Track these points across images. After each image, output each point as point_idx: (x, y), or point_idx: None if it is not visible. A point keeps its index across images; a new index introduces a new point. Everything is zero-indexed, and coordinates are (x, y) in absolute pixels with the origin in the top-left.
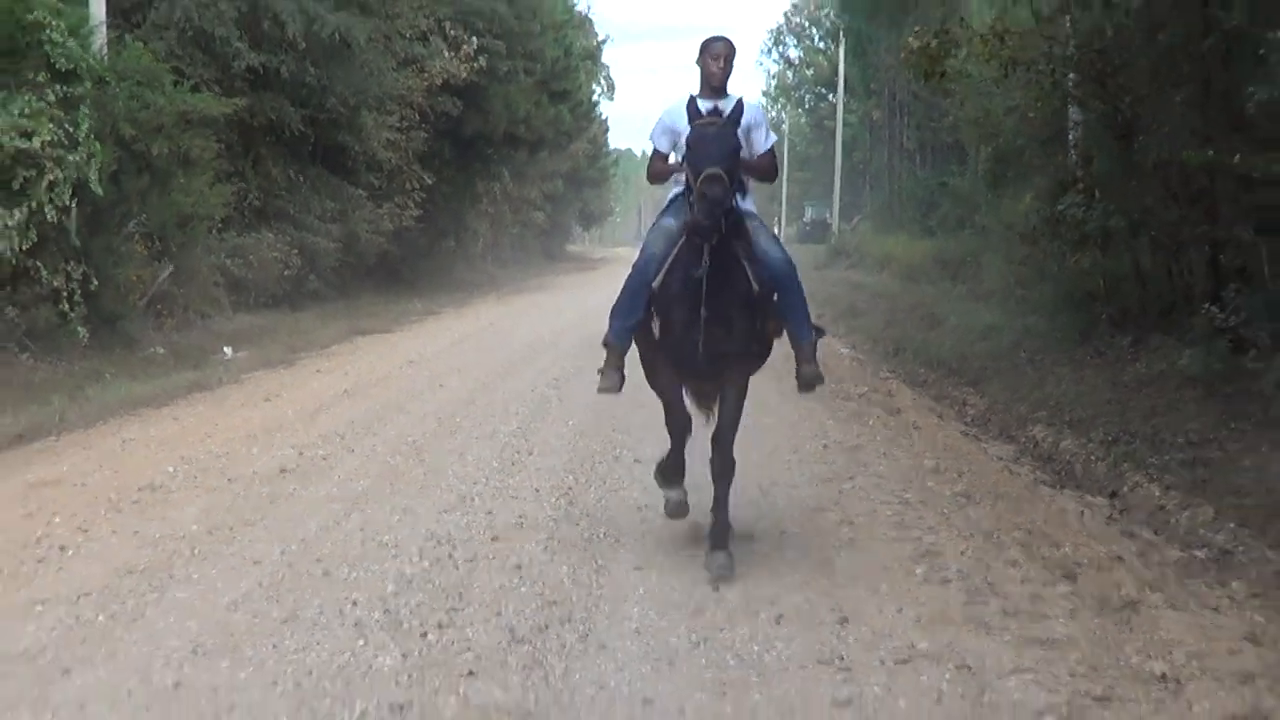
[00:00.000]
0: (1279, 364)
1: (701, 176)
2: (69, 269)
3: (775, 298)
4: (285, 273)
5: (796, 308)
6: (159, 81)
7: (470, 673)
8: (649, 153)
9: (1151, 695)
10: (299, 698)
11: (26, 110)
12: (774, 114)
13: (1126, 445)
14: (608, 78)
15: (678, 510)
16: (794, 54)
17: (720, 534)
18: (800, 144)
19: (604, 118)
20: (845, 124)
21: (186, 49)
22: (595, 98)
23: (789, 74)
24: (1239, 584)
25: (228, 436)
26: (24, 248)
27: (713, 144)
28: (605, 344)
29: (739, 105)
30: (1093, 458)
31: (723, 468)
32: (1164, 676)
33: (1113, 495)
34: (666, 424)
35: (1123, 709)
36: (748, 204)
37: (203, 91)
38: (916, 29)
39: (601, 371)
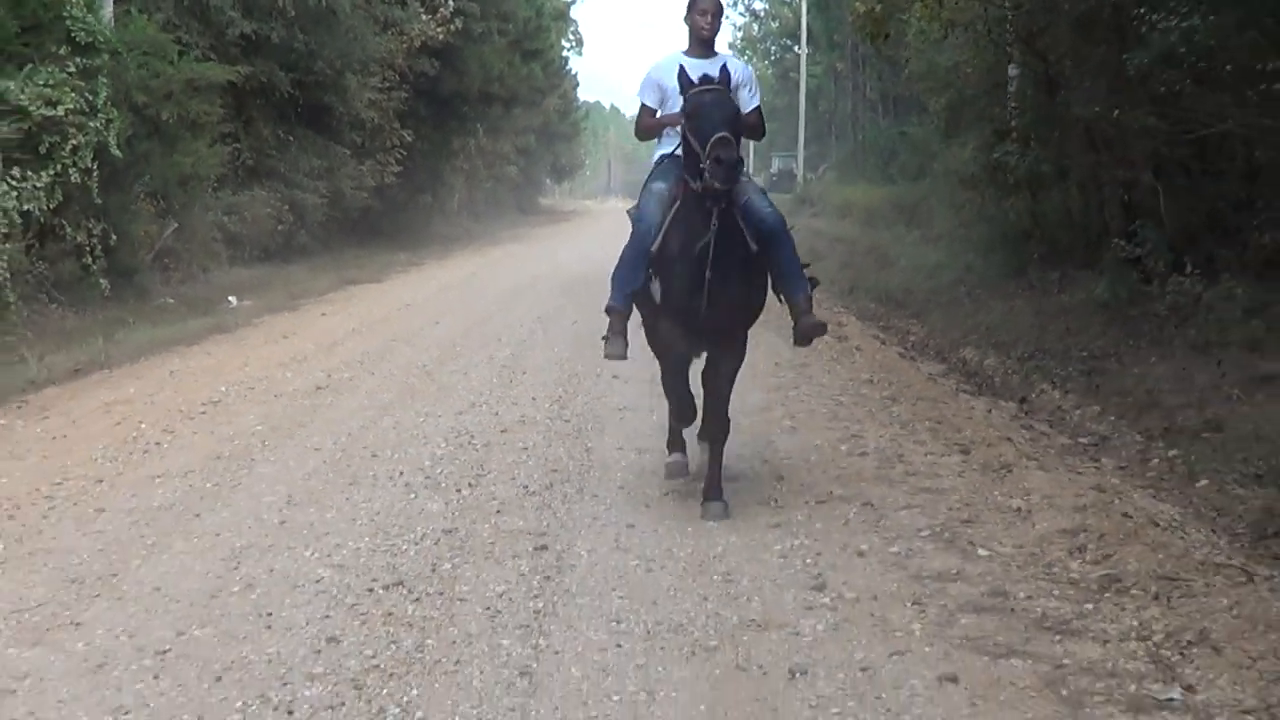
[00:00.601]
0: (1171, 289)
1: (711, 141)
2: (90, 226)
3: (768, 251)
4: (279, 227)
5: (789, 262)
6: (164, 51)
7: (498, 511)
8: (617, 106)
9: (1006, 520)
10: (374, 527)
11: (51, 81)
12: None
13: (1039, 361)
14: (576, 33)
15: (676, 471)
16: (759, 6)
17: (715, 487)
18: (767, 96)
19: (574, 73)
20: (811, 76)
21: (183, 18)
22: (565, 53)
23: (755, 26)
24: (1108, 459)
25: (262, 365)
26: (51, 207)
27: (714, 110)
28: (608, 310)
29: (725, 69)
30: (1009, 372)
31: (718, 429)
32: (1019, 509)
33: (1022, 400)
34: (664, 385)
35: (982, 528)
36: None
37: (200, 58)
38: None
39: (606, 338)
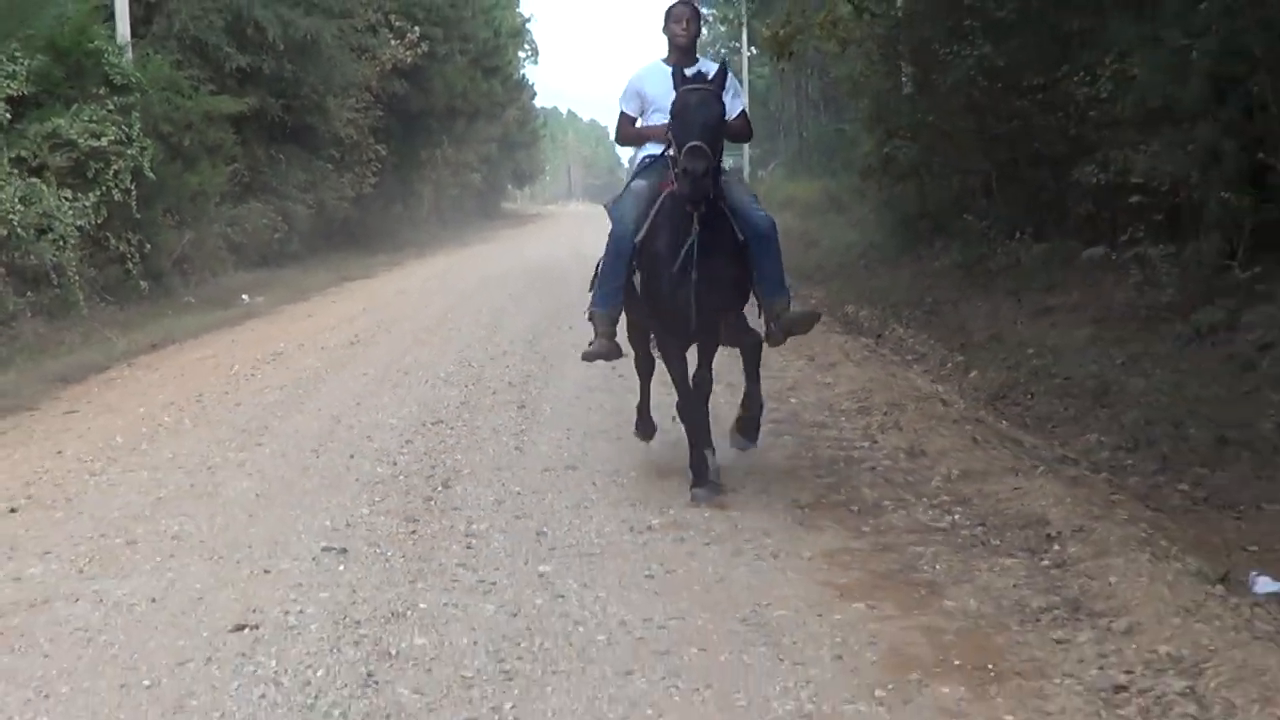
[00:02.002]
0: (1001, 251)
1: (685, 150)
2: (129, 237)
3: (753, 253)
4: (274, 235)
5: (773, 268)
6: (180, 87)
7: (493, 393)
8: (574, 112)
9: (816, 388)
10: (418, 403)
11: (94, 117)
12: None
13: (898, 310)
14: (531, 43)
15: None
16: (706, 11)
17: (701, 469)
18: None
19: (531, 84)
20: (760, 77)
21: (186, 54)
22: (523, 62)
23: (704, 30)
24: (919, 365)
25: (300, 333)
26: (98, 222)
27: (697, 112)
28: (590, 316)
29: (723, 68)
30: (875, 318)
31: (703, 381)
32: (829, 383)
33: (877, 336)
34: (637, 369)
35: (799, 392)
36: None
37: (212, 92)
38: (768, 21)
39: (591, 342)
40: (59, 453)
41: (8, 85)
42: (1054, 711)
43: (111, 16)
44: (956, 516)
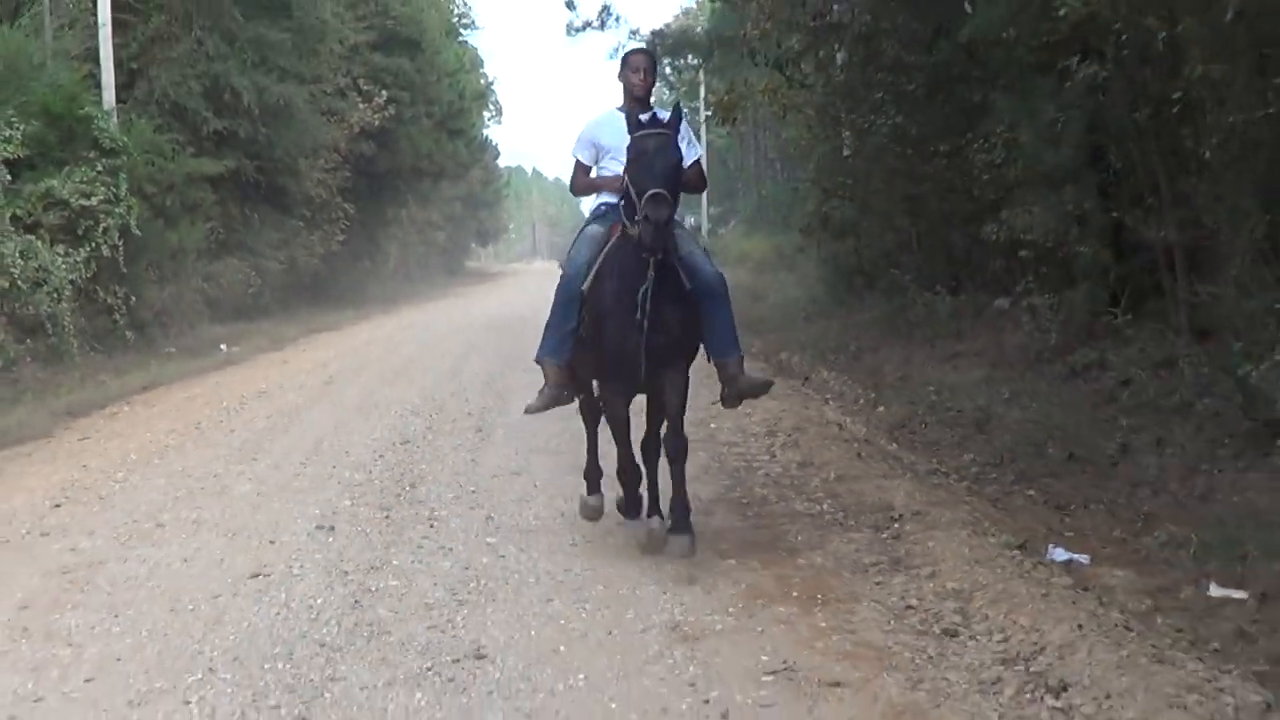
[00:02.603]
0: (920, 302)
1: (646, 197)
2: (116, 290)
3: (702, 308)
4: (248, 290)
5: (725, 324)
6: (162, 150)
7: (454, 421)
8: (539, 170)
9: (735, 419)
10: (388, 428)
11: (84, 179)
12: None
13: (826, 356)
14: (496, 103)
15: (591, 513)
16: (667, 71)
17: (681, 517)
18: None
19: (494, 144)
20: (720, 135)
21: (166, 118)
22: (487, 122)
23: (666, 89)
24: (836, 402)
25: (279, 375)
26: (88, 275)
27: (656, 158)
28: (539, 362)
29: (677, 112)
30: (805, 363)
31: (678, 448)
32: (747, 413)
33: (805, 379)
34: (582, 415)
35: (720, 421)
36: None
37: (193, 155)
38: (713, 91)
39: (541, 391)
40: (84, 466)
41: (4, 148)
42: (856, 622)
43: (97, 84)
44: (825, 506)
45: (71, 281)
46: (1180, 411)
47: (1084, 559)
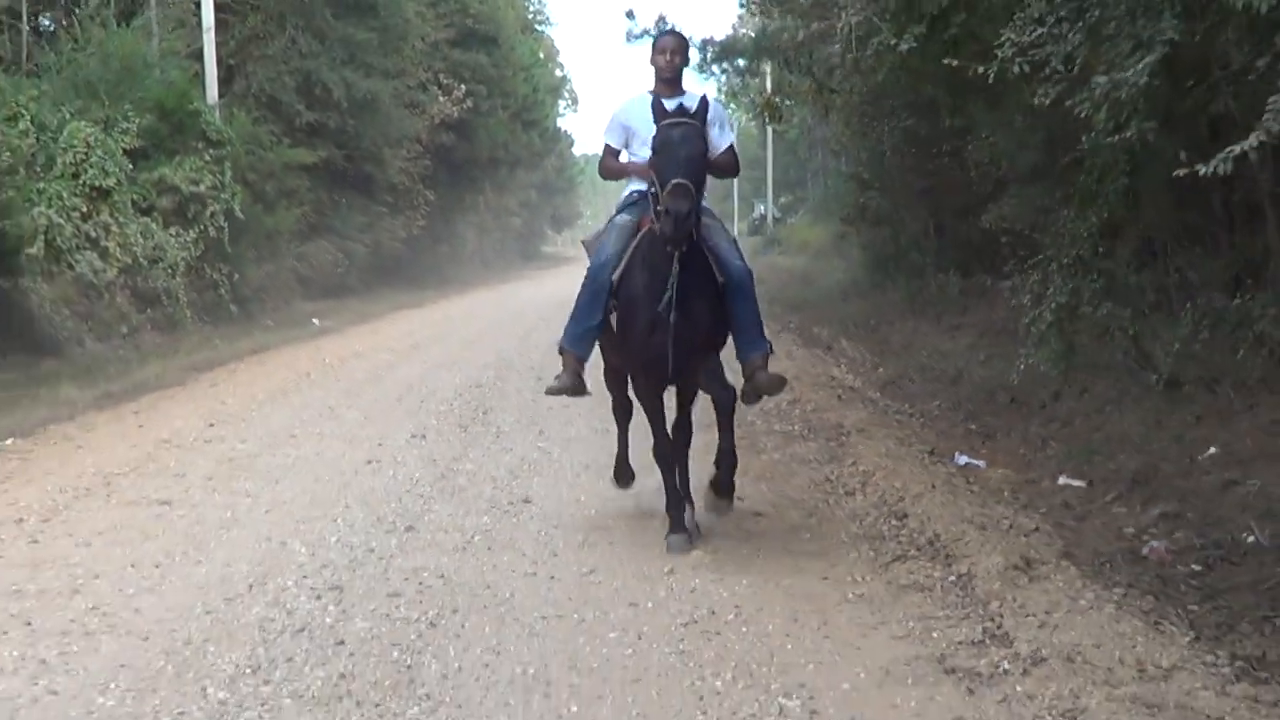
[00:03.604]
0: (933, 285)
1: (668, 188)
2: (222, 268)
3: (730, 301)
4: (336, 270)
5: (750, 317)
6: (261, 141)
7: (519, 373)
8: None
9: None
10: (466, 378)
11: (194, 167)
12: (728, 115)
13: (849, 328)
14: (571, 91)
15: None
16: (741, 62)
17: (677, 516)
18: (751, 145)
19: (567, 134)
20: (791, 127)
21: (261, 111)
22: (562, 112)
23: (738, 80)
24: (845, 364)
25: (371, 341)
26: (197, 254)
27: (680, 148)
28: (560, 350)
29: (704, 102)
30: (830, 335)
31: (725, 453)
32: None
33: (828, 348)
34: (614, 414)
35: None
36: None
37: (290, 145)
38: (761, 92)
39: (557, 376)
40: (223, 402)
41: (124, 140)
42: (788, 487)
43: (202, 81)
44: (796, 427)
45: (183, 259)
46: (1106, 368)
47: (980, 463)
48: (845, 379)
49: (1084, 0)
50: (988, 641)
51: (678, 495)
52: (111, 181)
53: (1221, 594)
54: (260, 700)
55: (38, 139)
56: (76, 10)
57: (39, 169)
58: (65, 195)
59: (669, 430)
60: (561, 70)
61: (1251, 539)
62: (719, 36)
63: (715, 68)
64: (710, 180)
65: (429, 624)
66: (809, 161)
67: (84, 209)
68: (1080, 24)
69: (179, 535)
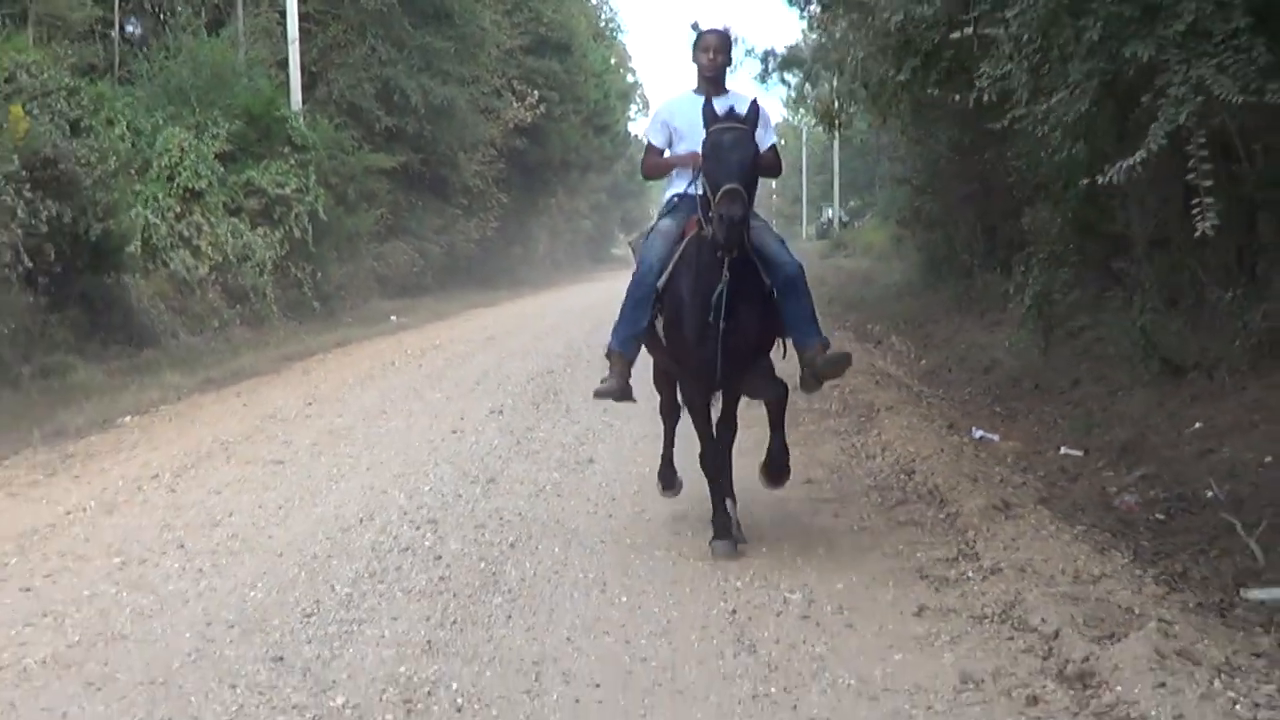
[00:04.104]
0: (980, 284)
1: (721, 193)
2: (305, 267)
3: (782, 300)
4: (412, 270)
5: (804, 312)
6: (343, 145)
7: (588, 361)
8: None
9: None
10: (539, 366)
11: (280, 170)
12: (795, 121)
13: (900, 325)
14: (642, 95)
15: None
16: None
17: (722, 523)
18: (820, 150)
19: (637, 137)
20: (860, 133)
21: (342, 116)
22: (634, 116)
23: (807, 85)
24: (891, 356)
25: (449, 335)
26: (282, 254)
27: (731, 153)
28: (608, 354)
29: (754, 106)
30: (884, 332)
31: (778, 468)
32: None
33: (878, 343)
34: (662, 417)
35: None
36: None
37: (362, 148)
38: (816, 99)
39: (604, 379)
40: (317, 386)
41: (215, 144)
42: (819, 452)
43: (286, 88)
44: (832, 405)
45: (270, 258)
46: (1123, 359)
47: (995, 437)
48: (887, 368)
49: (1033, 45)
50: (959, 559)
51: (723, 506)
52: (204, 184)
53: (1172, 535)
54: (378, 595)
55: (133, 143)
56: (169, 21)
57: (134, 172)
58: (160, 196)
59: (714, 429)
60: (633, 76)
61: (1211, 494)
62: (780, 49)
63: (776, 77)
64: (781, 184)
65: (509, 545)
66: (876, 166)
67: (178, 209)
68: (1029, 64)
69: (294, 486)
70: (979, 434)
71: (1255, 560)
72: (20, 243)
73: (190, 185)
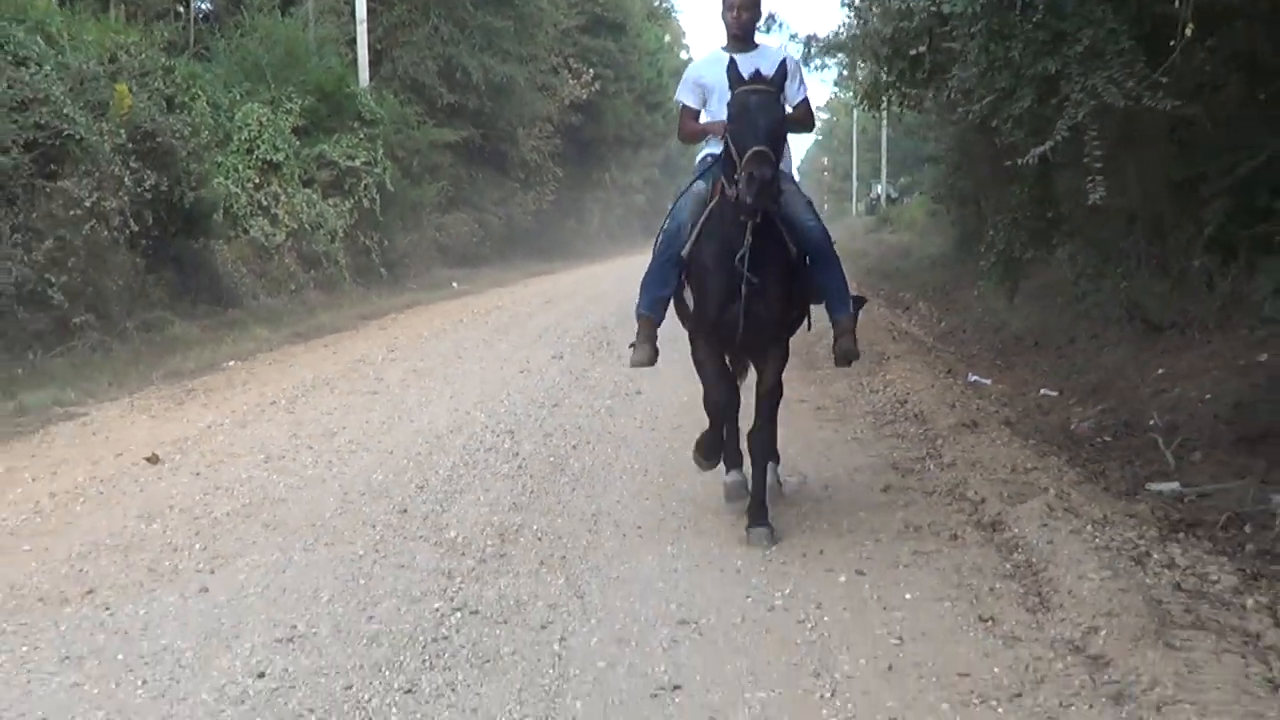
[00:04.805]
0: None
1: (748, 155)
2: (373, 235)
3: (812, 268)
4: (472, 240)
5: (834, 279)
6: (408, 120)
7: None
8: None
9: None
10: (594, 323)
11: (350, 144)
12: (844, 99)
13: (928, 292)
14: None
15: (736, 492)
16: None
17: (759, 511)
18: (871, 128)
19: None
20: (907, 110)
21: (406, 93)
22: None
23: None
24: (914, 318)
25: (509, 299)
26: (352, 223)
27: (758, 114)
28: (638, 316)
29: (782, 65)
30: (913, 299)
31: (763, 448)
32: None
33: (906, 308)
34: (705, 402)
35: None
36: (784, 166)
37: (427, 123)
38: (860, 81)
39: (633, 345)
40: (395, 338)
41: (290, 119)
42: (833, 389)
43: (355, 65)
44: None
45: (341, 226)
46: (1114, 320)
47: (986, 381)
48: (909, 329)
49: (981, 58)
50: (925, 456)
51: (724, 445)
52: (281, 156)
53: (1111, 450)
54: (472, 476)
55: (214, 118)
56: (243, 1)
57: (216, 144)
58: (240, 168)
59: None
60: (686, 53)
61: (1153, 422)
62: (821, 35)
63: (819, 61)
64: (832, 160)
65: (571, 447)
66: (924, 144)
67: (256, 180)
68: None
69: (391, 409)
70: (973, 378)
71: (1167, 466)
72: (127, 208)
73: (268, 158)
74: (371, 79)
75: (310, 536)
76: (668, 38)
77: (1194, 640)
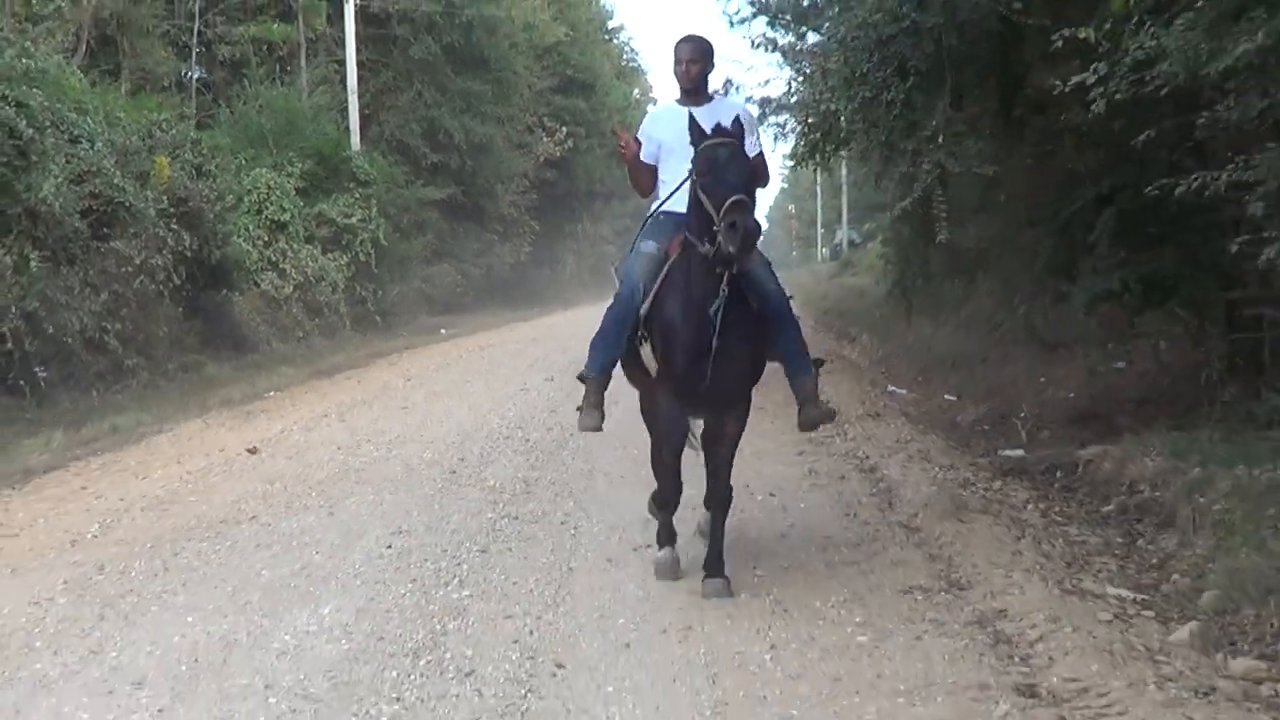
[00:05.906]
0: (943, 293)
1: (728, 204)
2: (369, 287)
3: (771, 327)
4: (456, 290)
5: (794, 344)
6: (397, 180)
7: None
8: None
9: None
10: (571, 359)
11: (346, 203)
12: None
13: (874, 327)
14: None
15: (667, 570)
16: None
17: (715, 562)
18: (835, 174)
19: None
20: (824, 169)
21: (392, 154)
22: None
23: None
24: (855, 348)
25: (496, 340)
26: (349, 275)
27: (728, 169)
28: (582, 378)
29: (738, 120)
30: (858, 332)
31: (721, 497)
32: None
33: (851, 340)
34: (653, 462)
35: None
36: None
37: (415, 182)
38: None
39: (580, 409)
40: (407, 369)
41: (291, 181)
42: (772, 394)
43: (347, 130)
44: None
45: (340, 279)
46: (1019, 341)
47: (903, 390)
48: (850, 355)
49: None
50: (835, 435)
51: (670, 529)
52: (287, 216)
53: (983, 433)
54: (497, 454)
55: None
56: (245, 72)
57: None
58: (251, 227)
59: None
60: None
61: (1023, 415)
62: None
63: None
64: (798, 208)
65: (569, 435)
66: (880, 194)
67: (265, 238)
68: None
69: (424, 417)
70: (891, 389)
71: (1021, 440)
72: (170, 265)
73: (276, 217)
74: (361, 141)
75: (392, 487)
76: (637, 92)
77: (978, 520)
